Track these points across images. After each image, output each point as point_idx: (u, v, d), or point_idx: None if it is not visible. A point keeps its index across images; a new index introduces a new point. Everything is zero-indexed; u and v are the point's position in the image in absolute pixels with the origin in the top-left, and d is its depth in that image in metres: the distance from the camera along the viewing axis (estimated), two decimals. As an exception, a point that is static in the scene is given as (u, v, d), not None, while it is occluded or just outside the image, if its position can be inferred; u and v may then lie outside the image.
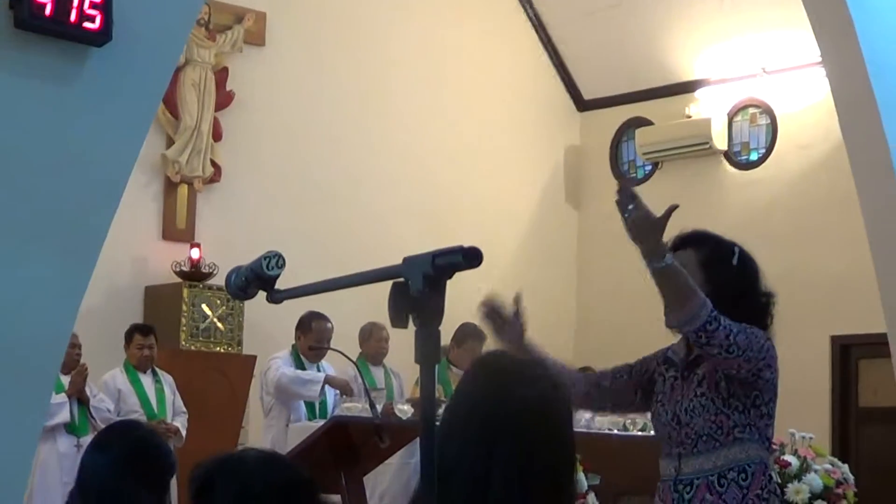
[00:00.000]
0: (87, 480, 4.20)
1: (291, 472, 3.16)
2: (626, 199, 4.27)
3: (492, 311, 4.52)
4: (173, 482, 4.72)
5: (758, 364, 4.37)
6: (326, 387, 9.88)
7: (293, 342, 10.15)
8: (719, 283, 4.47)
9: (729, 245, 4.59)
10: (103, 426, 7.81)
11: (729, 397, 4.38)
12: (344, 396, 9.73)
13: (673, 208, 4.27)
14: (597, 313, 13.87)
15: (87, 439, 8.65)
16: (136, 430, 4.58)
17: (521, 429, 2.67)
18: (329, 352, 9.95)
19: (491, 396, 2.70)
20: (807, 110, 13.15)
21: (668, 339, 4.67)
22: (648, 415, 4.75)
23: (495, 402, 2.69)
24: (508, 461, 2.64)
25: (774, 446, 7.25)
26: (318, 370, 10.11)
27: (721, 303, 4.40)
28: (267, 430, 10.03)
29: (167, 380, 10.27)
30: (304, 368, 10.03)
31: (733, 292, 4.48)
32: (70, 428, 9.48)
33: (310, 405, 9.95)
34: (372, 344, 10.52)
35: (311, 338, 9.99)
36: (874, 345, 11.27)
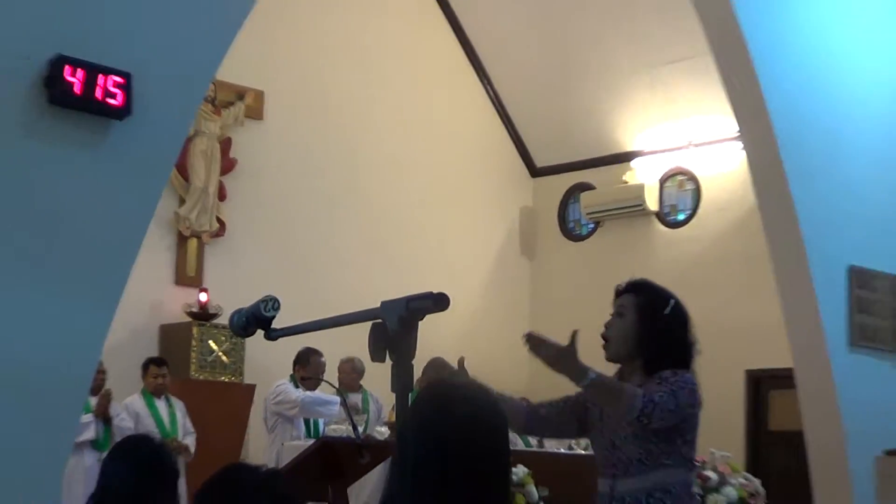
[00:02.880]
0: (109, 485, 4.17)
1: (290, 487, 3.15)
2: (535, 346, 4.25)
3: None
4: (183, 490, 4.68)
5: (685, 412, 4.34)
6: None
7: (290, 373, 10.12)
8: (650, 328, 4.43)
9: (666, 296, 4.53)
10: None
11: (658, 430, 4.33)
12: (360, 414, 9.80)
13: (575, 333, 4.22)
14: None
15: (110, 455, 8.60)
16: (150, 441, 4.57)
17: (462, 440, 2.67)
18: (323, 383, 9.91)
19: (438, 413, 2.71)
20: (726, 178, 13.20)
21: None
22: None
23: (441, 418, 2.70)
24: (454, 467, 2.64)
25: (696, 463, 7.24)
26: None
27: (649, 344, 4.40)
28: (271, 446, 10.01)
29: (178, 405, 10.24)
30: (299, 396, 10.02)
31: (661, 337, 4.43)
32: (95, 444, 9.44)
33: (307, 425, 9.95)
34: (344, 377, 10.54)
35: (309, 370, 9.98)
36: (782, 377, 11.28)
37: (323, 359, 9.98)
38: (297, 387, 10.04)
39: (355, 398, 10.46)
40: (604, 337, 4.50)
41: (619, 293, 4.55)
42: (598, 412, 4.51)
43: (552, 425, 4.67)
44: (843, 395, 10.24)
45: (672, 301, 4.51)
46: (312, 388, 10.02)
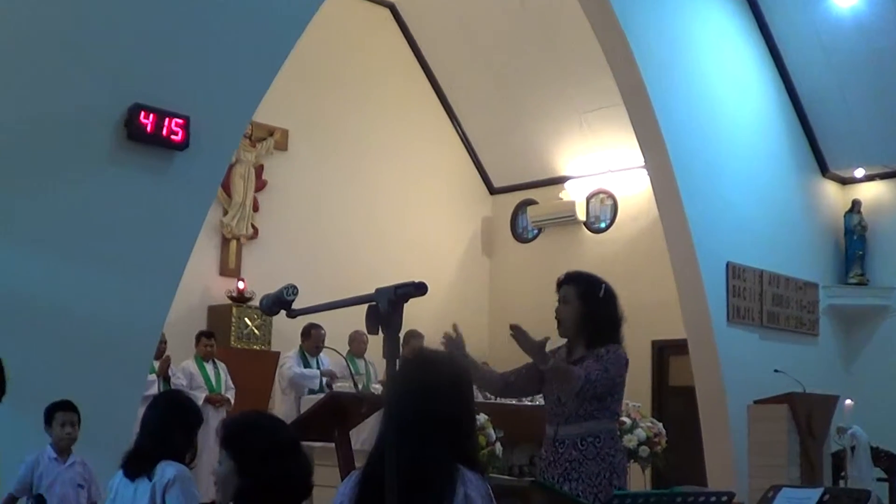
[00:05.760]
0: (144, 425, 4.18)
1: (290, 430, 3.17)
2: (518, 335, 4.19)
3: (449, 340, 4.39)
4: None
5: (615, 381, 4.34)
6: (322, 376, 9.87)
7: (300, 343, 10.09)
8: (591, 309, 4.39)
9: (598, 282, 4.48)
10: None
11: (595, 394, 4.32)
12: (338, 379, 9.68)
13: (546, 339, 4.22)
14: (503, 331, 13.72)
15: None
16: (177, 395, 4.58)
17: (437, 392, 2.70)
18: (326, 348, 9.87)
19: (418, 373, 2.75)
20: (637, 196, 13.23)
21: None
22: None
23: (421, 377, 2.74)
24: (429, 413, 2.67)
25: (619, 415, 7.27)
26: (318, 361, 10.05)
27: (593, 323, 4.38)
28: (282, 403, 9.96)
29: (222, 367, 10.18)
30: (307, 362, 9.93)
31: (600, 315, 4.41)
32: (158, 398, 9.38)
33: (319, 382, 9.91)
34: (356, 344, 10.45)
35: (311, 340, 9.92)
36: (678, 346, 11.34)
37: (322, 331, 9.90)
38: (303, 355, 9.95)
39: (360, 362, 10.43)
40: (557, 319, 4.46)
41: (561, 283, 4.51)
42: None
43: (519, 388, 4.63)
44: (724, 359, 10.36)
45: (603, 285, 4.46)
46: (317, 353, 9.95)
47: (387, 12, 13.87)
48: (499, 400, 9.27)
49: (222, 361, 10.26)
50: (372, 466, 2.71)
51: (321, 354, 10.07)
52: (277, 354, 10.97)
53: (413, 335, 10.04)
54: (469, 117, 14.36)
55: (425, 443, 2.63)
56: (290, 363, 9.84)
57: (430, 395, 2.72)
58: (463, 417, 2.78)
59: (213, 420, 9.01)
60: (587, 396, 4.30)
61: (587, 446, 4.35)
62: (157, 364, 9.32)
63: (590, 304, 4.41)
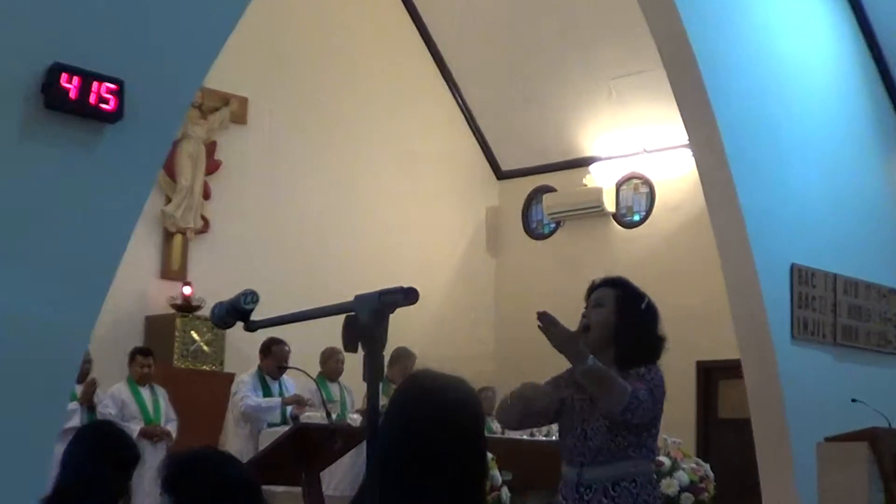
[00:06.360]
0: (65, 468, 4.17)
1: (247, 471, 3.16)
2: (548, 324, 4.23)
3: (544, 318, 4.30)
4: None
5: (658, 409, 4.39)
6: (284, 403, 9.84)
7: (258, 364, 10.07)
8: (627, 319, 4.45)
9: (641, 293, 4.57)
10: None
11: (634, 425, 4.35)
12: (306, 406, 9.67)
13: (585, 326, 4.30)
14: (512, 345, 13.80)
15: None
16: (107, 426, 4.57)
17: (437, 428, 2.68)
18: (290, 368, 9.84)
19: (418, 402, 2.72)
20: (678, 182, 13.24)
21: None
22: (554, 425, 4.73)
23: (422, 407, 2.71)
24: (426, 454, 2.64)
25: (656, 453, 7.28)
26: (281, 385, 10.03)
27: (626, 335, 4.43)
28: (236, 437, 9.95)
29: (162, 392, 10.17)
30: (267, 385, 9.92)
31: (637, 329, 4.46)
32: (80, 431, 9.36)
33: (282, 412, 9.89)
34: (330, 364, 10.46)
35: (273, 359, 9.90)
36: (731, 368, 11.32)
37: (287, 347, 9.89)
38: (262, 379, 9.91)
39: (334, 387, 10.43)
40: (584, 325, 4.48)
41: (596, 286, 4.57)
42: (571, 402, 4.49)
43: (538, 414, 4.60)
44: (786, 385, 10.32)
45: (646, 298, 4.55)
46: (279, 375, 9.94)
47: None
48: (507, 434, 9.29)
49: (162, 386, 10.25)
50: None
51: (285, 377, 10.05)
52: (232, 377, 10.97)
53: (402, 354, 10.04)
54: (472, 85, 14.35)
55: (419, 491, 2.61)
56: (243, 391, 9.82)
57: (428, 430, 2.68)
58: (469, 460, 2.75)
59: (151, 458, 9.00)
60: (627, 425, 4.32)
61: (621, 493, 4.37)
62: (79, 389, 9.29)
63: (629, 313, 4.48)
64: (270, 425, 9.66)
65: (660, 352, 4.51)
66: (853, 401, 9.55)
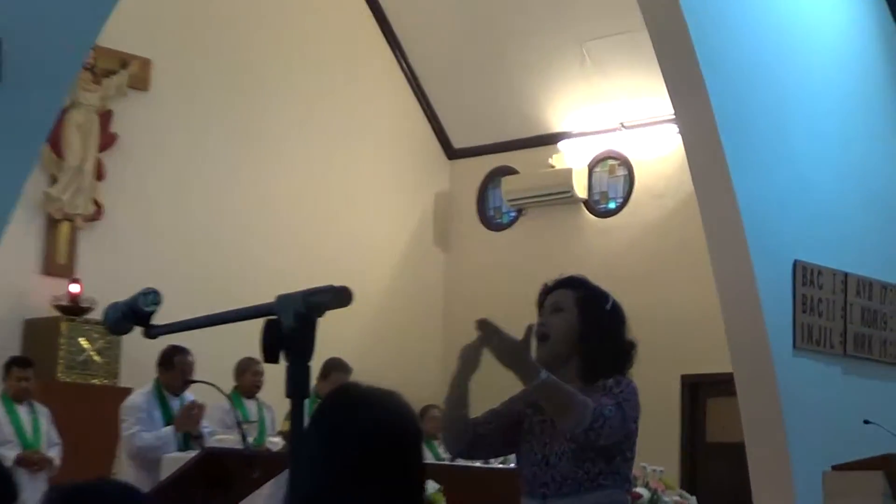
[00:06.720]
0: None
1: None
2: (490, 334, 4.27)
3: (484, 325, 4.40)
4: None
5: (630, 427, 4.39)
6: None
7: (156, 377, 9.89)
8: (591, 323, 4.47)
9: (604, 292, 4.59)
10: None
11: (602, 447, 4.34)
12: (206, 409, 9.53)
13: (530, 328, 4.29)
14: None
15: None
16: None
17: (369, 449, 2.68)
18: (197, 383, 9.66)
19: (345, 419, 2.72)
20: (661, 163, 13.30)
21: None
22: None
23: (348, 424, 2.71)
24: (356, 479, 2.65)
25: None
26: (182, 403, 9.90)
27: (590, 340, 4.45)
28: (130, 466, 9.86)
29: (43, 411, 10.11)
30: (166, 402, 9.73)
31: (602, 333, 4.48)
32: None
33: (184, 435, 9.75)
34: (247, 377, 10.43)
35: (175, 372, 9.74)
36: (721, 383, 11.39)
37: (191, 357, 9.73)
38: (161, 396, 9.70)
39: (251, 405, 10.39)
40: (542, 334, 4.48)
41: (551, 288, 4.59)
42: (530, 424, 4.50)
43: (489, 445, 4.65)
44: (787, 403, 10.38)
45: (611, 298, 4.57)
46: (182, 390, 9.78)
47: None
48: (457, 462, 9.30)
49: (43, 403, 10.19)
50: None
51: (187, 393, 9.95)
52: (128, 392, 10.88)
53: (334, 366, 10.04)
54: (419, 46, 14.38)
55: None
56: (131, 423, 9.53)
57: (359, 452, 2.70)
58: (403, 486, 2.77)
59: (30, 490, 8.92)
60: (594, 448, 4.32)
61: (590, 528, 4.38)
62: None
63: (592, 316, 4.49)
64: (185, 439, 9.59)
65: (631, 360, 4.54)
66: (866, 422, 9.62)
